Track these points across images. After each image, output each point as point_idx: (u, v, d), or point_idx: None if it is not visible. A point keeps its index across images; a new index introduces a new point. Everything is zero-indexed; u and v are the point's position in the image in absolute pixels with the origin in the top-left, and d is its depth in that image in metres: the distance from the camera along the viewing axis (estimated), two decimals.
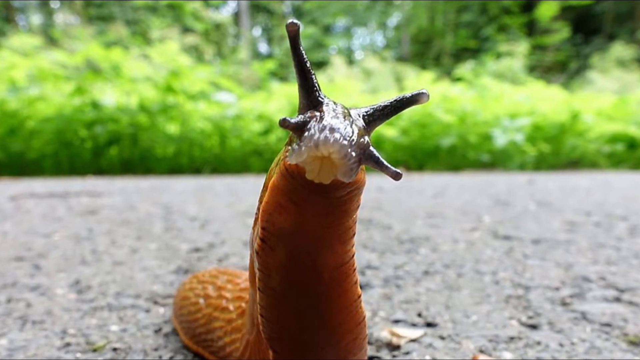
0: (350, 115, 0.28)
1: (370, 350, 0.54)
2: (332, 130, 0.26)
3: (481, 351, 0.53)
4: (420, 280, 0.82)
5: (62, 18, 11.48)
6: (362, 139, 0.27)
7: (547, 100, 5.26)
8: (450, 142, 4.64)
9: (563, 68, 12.30)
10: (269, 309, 0.33)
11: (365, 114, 0.29)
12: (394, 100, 0.30)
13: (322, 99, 0.29)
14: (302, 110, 0.29)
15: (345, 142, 0.26)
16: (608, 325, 0.61)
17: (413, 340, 0.56)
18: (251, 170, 4.38)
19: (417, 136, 4.79)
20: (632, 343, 0.55)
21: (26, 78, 4.14)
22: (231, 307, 0.46)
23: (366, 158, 0.27)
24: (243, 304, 0.45)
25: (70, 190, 2.35)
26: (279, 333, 0.33)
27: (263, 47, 17.54)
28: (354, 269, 0.33)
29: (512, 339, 0.57)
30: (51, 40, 6.24)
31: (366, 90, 6.57)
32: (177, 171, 4.23)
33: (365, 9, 15.95)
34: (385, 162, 0.27)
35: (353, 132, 0.27)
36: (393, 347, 0.55)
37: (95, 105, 4.08)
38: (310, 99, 0.29)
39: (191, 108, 4.41)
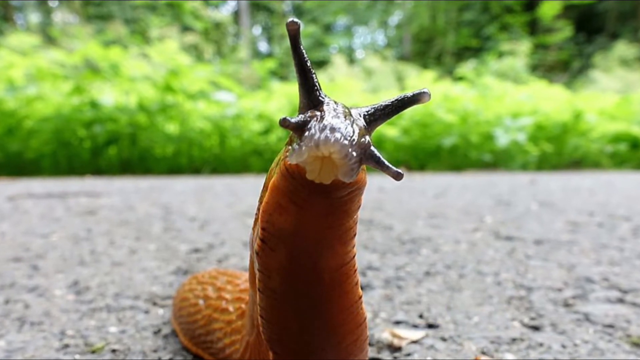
0: (351, 115, 0.28)
1: (371, 352, 0.53)
2: (333, 130, 0.26)
3: (483, 353, 0.53)
4: (421, 281, 0.81)
5: (61, 17, 11.48)
6: (363, 139, 0.27)
7: (550, 100, 5.25)
8: (451, 142, 4.63)
9: (565, 67, 12.27)
10: (269, 310, 0.32)
11: (366, 113, 0.29)
12: (395, 100, 0.30)
13: (323, 98, 0.29)
14: (302, 110, 0.29)
15: (346, 142, 0.26)
16: (611, 326, 0.60)
17: (414, 342, 0.56)
18: (251, 170, 4.38)
19: (418, 136, 4.78)
20: (635, 344, 0.55)
21: (24, 77, 4.14)
22: (231, 309, 0.45)
23: (367, 158, 0.27)
24: (243, 305, 0.44)
25: (69, 191, 2.35)
26: (279, 334, 0.33)
27: (263, 46, 17.55)
28: (355, 270, 0.33)
29: (514, 340, 0.56)
30: (49, 39, 6.23)
31: (367, 90, 6.57)
32: (177, 171, 4.23)
33: (366, 8, 15.94)
34: (386, 162, 0.27)
35: (354, 132, 0.26)
36: (394, 349, 0.54)
37: (93, 104, 4.07)
38: (311, 98, 0.29)
39: (190, 107, 4.40)
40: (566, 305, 0.69)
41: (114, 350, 0.53)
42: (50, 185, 2.73)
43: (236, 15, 15.11)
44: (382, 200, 2.00)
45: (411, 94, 0.29)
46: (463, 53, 13.40)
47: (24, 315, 0.64)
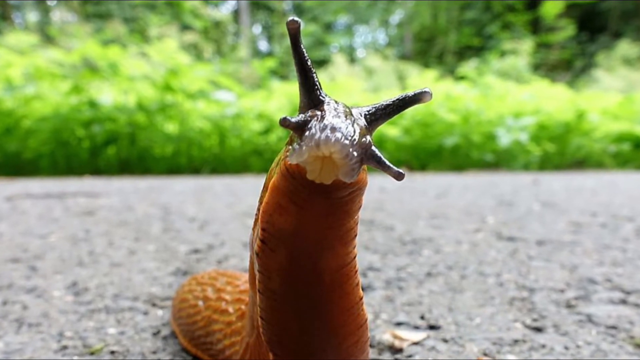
0: (351, 114, 0.28)
1: (372, 353, 0.53)
2: (334, 129, 0.25)
3: (485, 354, 0.52)
4: (423, 282, 0.81)
5: (59, 15, 11.46)
6: (363, 139, 0.27)
7: (552, 99, 5.23)
8: (453, 142, 4.62)
9: (568, 66, 12.24)
10: (269, 311, 0.32)
11: (367, 113, 0.29)
12: (397, 99, 0.30)
13: (323, 97, 0.29)
14: (302, 109, 0.29)
15: (347, 142, 0.25)
16: (614, 327, 0.60)
17: (415, 343, 0.55)
18: (251, 170, 4.37)
19: (419, 136, 4.77)
20: (638, 346, 0.54)
21: (22, 76, 4.13)
22: (231, 310, 0.45)
23: (368, 158, 0.27)
24: (243, 306, 0.44)
25: (67, 191, 2.35)
26: (279, 335, 0.33)
27: (263, 45, 17.54)
28: (356, 271, 0.33)
29: (516, 341, 0.56)
30: (48, 38, 6.22)
31: (368, 89, 6.57)
32: (176, 171, 4.23)
33: (367, 7, 15.92)
34: (387, 162, 0.27)
35: (355, 132, 0.26)
36: (395, 350, 0.54)
37: (92, 104, 4.07)
38: (311, 97, 0.29)
39: (190, 107, 4.40)
40: (569, 306, 0.68)
41: (112, 352, 0.53)
42: (49, 185, 2.73)
43: (236, 14, 15.10)
44: (383, 200, 1.99)
45: (412, 94, 0.29)
46: (465, 52, 13.37)
47: (22, 317, 0.64)
